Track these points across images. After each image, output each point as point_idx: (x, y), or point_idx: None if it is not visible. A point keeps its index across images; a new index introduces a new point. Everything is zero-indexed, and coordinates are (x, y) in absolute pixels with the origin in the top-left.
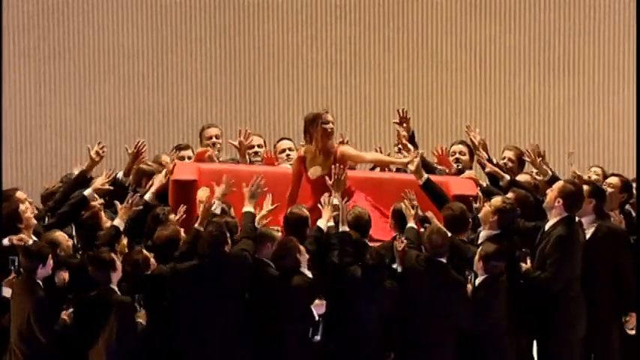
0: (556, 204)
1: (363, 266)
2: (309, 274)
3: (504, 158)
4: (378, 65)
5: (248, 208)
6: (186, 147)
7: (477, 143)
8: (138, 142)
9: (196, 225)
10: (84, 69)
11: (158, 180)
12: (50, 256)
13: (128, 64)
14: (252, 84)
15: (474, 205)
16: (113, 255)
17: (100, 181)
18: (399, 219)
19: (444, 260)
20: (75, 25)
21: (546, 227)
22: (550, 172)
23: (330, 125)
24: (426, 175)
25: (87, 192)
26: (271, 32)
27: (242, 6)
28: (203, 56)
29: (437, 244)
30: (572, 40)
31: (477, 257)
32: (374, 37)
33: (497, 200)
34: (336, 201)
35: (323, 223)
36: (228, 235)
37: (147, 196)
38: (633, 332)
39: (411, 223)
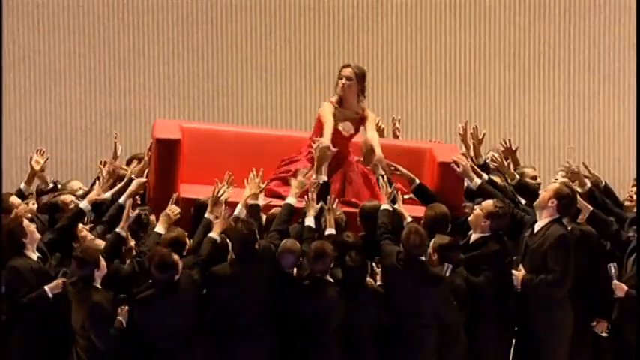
0: (550, 204)
1: (342, 267)
2: (332, 280)
3: None
4: None
5: (290, 199)
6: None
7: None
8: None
9: (214, 234)
10: (53, 73)
11: (135, 183)
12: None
13: (98, 67)
14: (225, 87)
15: (457, 170)
16: (176, 257)
17: (95, 194)
18: (367, 217)
19: (423, 258)
20: (44, 29)
21: (536, 228)
22: (517, 177)
23: (344, 81)
24: (417, 181)
25: (83, 204)
26: (245, 35)
27: (215, 8)
28: (175, 59)
29: (415, 244)
30: (546, 43)
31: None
32: (348, 40)
33: (488, 204)
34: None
35: (311, 222)
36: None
37: (122, 200)
38: (604, 335)
39: (385, 205)
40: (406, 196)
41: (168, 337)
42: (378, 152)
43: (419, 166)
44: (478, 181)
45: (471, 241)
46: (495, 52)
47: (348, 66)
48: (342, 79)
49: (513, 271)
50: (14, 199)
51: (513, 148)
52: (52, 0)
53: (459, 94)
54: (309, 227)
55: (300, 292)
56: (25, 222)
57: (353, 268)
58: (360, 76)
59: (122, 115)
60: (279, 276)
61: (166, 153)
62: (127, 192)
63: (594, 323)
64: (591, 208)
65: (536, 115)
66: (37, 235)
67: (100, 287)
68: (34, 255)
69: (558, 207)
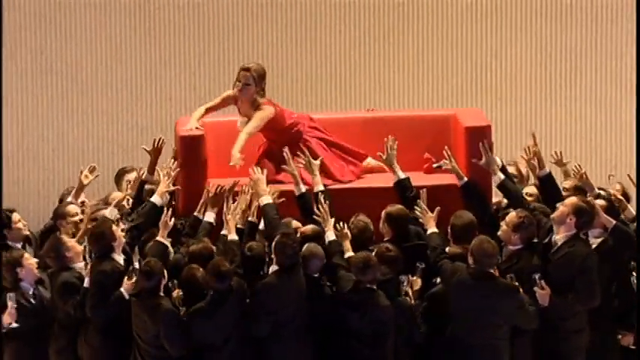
0: (568, 220)
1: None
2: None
3: None
4: (377, 76)
5: (266, 199)
6: (131, 170)
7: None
8: (157, 140)
9: (232, 236)
10: (82, 83)
11: (165, 184)
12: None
13: (125, 78)
14: None
15: (480, 163)
16: (228, 265)
17: (163, 186)
18: (394, 221)
19: (492, 271)
20: (72, 39)
21: (558, 241)
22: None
23: (240, 85)
24: (465, 179)
25: (155, 199)
26: (272, 46)
27: (241, 19)
28: (201, 70)
29: (489, 253)
30: (572, 52)
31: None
32: (373, 48)
33: (512, 216)
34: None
35: (333, 236)
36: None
37: (154, 199)
38: (633, 347)
39: (432, 228)
40: (435, 165)
41: (220, 347)
42: (235, 150)
43: (444, 135)
44: (502, 176)
45: (503, 256)
46: (521, 62)
47: (247, 70)
48: (239, 81)
49: (536, 289)
50: (72, 208)
51: (564, 161)
52: (79, 11)
53: (485, 104)
54: (335, 242)
55: (349, 306)
56: (114, 226)
57: (383, 281)
58: (259, 79)
59: (148, 127)
60: (315, 288)
61: (192, 149)
62: (159, 189)
63: (620, 337)
64: (614, 222)
65: (563, 124)
66: (123, 239)
67: (164, 295)
68: (121, 258)
69: (577, 224)
